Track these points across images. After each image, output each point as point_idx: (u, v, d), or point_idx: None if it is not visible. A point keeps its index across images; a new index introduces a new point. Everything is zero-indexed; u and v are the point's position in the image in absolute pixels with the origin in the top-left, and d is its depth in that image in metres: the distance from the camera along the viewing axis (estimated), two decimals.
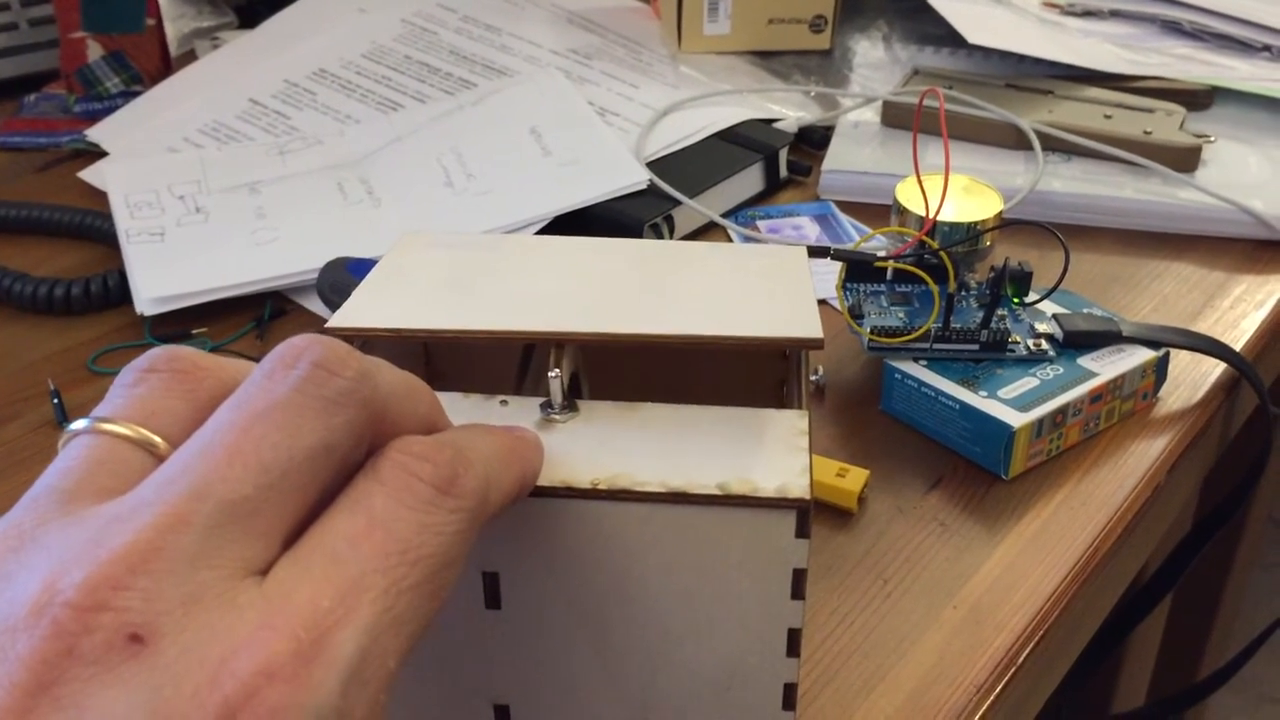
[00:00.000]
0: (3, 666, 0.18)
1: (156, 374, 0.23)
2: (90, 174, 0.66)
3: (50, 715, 0.17)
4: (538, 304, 0.32)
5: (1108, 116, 0.67)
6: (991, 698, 0.37)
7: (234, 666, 0.18)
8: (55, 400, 0.50)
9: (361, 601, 0.20)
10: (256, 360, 0.23)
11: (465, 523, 0.22)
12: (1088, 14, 0.82)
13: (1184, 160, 0.64)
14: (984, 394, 0.45)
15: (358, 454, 0.22)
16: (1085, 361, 0.47)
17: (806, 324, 0.31)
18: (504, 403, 0.30)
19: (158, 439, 0.22)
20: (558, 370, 0.29)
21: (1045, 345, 0.48)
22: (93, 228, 0.61)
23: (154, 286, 0.55)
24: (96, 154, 0.69)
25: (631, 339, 0.30)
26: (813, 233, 0.62)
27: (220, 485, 0.20)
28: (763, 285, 0.33)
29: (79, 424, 0.22)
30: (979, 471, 0.45)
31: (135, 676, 0.18)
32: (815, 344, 0.30)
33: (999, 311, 0.48)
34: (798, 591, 0.28)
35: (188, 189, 0.62)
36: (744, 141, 0.65)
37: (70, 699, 0.17)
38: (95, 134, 0.70)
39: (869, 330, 0.47)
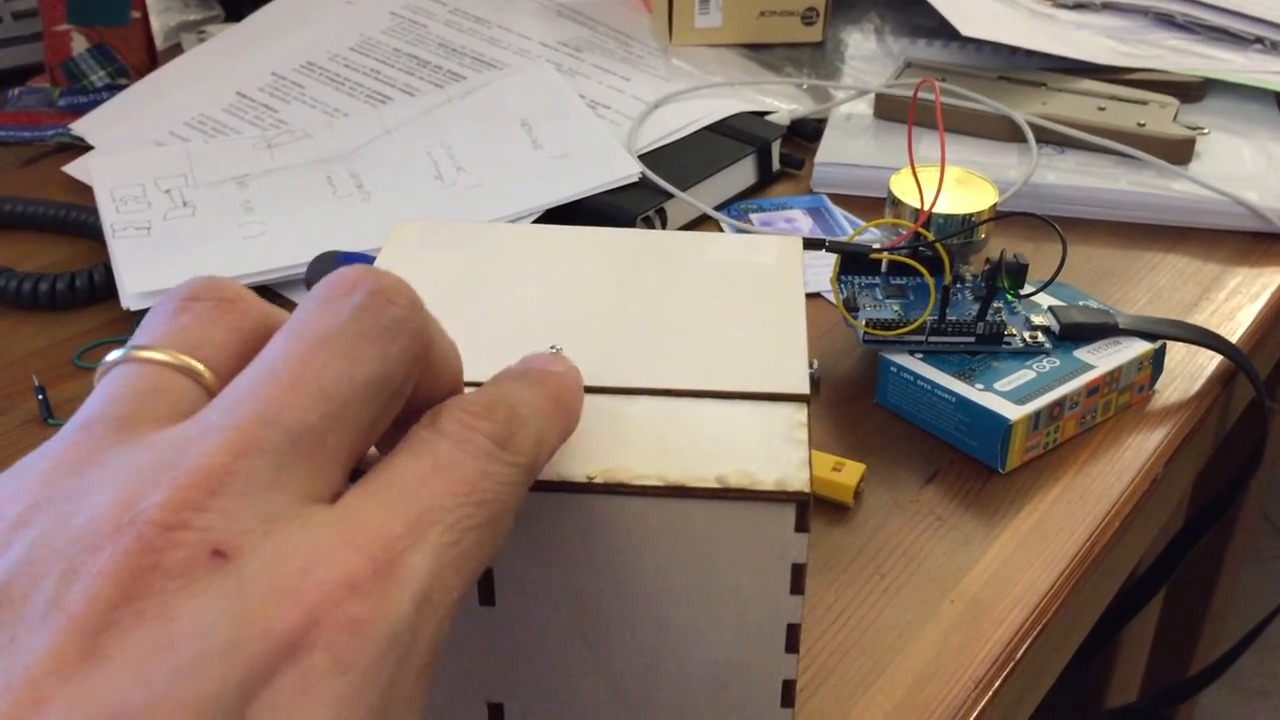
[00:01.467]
0: (86, 580, 0.17)
1: (201, 302, 0.23)
2: (75, 168, 0.66)
3: (137, 625, 0.17)
4: (525, 343, 0.31)
5: (1101, 109, 0.66)
6: (990, 693, 0.37)
7: (317, 577, 0.18)
8: (40, 397, 0.49)
9: (430, 533, 0.20)
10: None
11: (521, 475, 0.23)
12: (1080, 6, 0.82)
13: (1178, 152, 0.64)
14: (980, 387, 0.45)
15: (407, 387, 0.23)
16: (1081, 354, 0.47)
17: (793, 376, 0.30)
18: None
19: (203, 368, 0.22)
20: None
21: (1041, 338, 0.47)
22: (78, 222, 0.60)
23: (140, 281, 0.54)
24: (81, 148, 0.68)
25: (614, 391, 0.29)
26: (806, 226, 0.62)
27: (286, 413, 0.20)
28: (753, 312, 0.32)
29: (117, 354, 0.22)
30: (975, 465, 0.45)
31: (220, 587, 0.18)
32: (801, 399, 0.29)
33: (995, 304, 0.47)
34: (797, 586, 0.28)
35: (174, 183, 0.62)
36: (736, 134, 0.65)
37: (156, 609, 0.17)
38: (80, 128, 0.69)
39: (864, 323, 0.47)
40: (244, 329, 0.23)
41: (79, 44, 0.75)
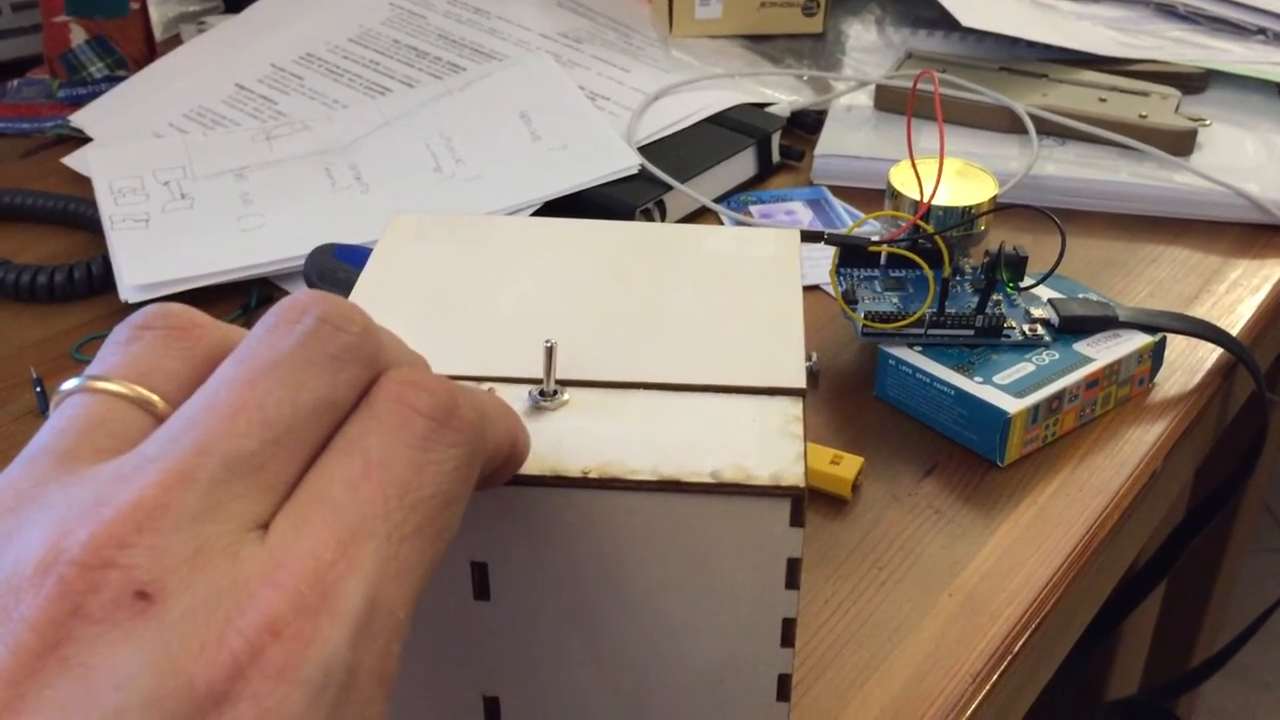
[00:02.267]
0: (7, 627, 0.17)
1: (152, 331, 0.23)
2: (74, 160, 0.65)
3: (58, 675, 0.17)
4: (517, 337, 0.31)
5: (1102, 100, 0.66)
6: (988, 686, 0.37)
7: (239, 625, 0.18)
8: (38, 389, 0.49)
9: (364, 551, 0.20)
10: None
11: (464, 458, 0.22)
12: None
13: (1179, 144, 0.63)
14: (979, 380, 0.45)
15: None
16: (1081, 347, 0.47)
17: (789, 371, 0.30)
18: (490, 389, 0.29)
19: (155, 397, 0.22)
20: (554, 341, 0.28)
21: (1041, 330, 0.47)
22: (76, 214, 0.60)
23: (138, 274, 0.54)
24: (80, 139, 0.68)
25: (610, 385, 0.29)
26: (805, 217, 0.61)
27: (224, 441, 0.20)
28: (750, 307, 0.32)
29: (72, 383, 0.22)
30: (974, 458, 0.45)
31: (143, 634, 0.18)
32: (797, 393, 0.29)
33: (994, 296, 0.47)
34: (792, 581, 0.27)
35: (173, 175, 0.62)
36: (736, 126, 0.65)
37: (78, 658, 0.17)
38: (79, 119, 0.69)
39: (863, 316, 0.47)
40: (196, 356, 0.23)
41: (78, 35, 0.75)
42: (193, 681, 0.17)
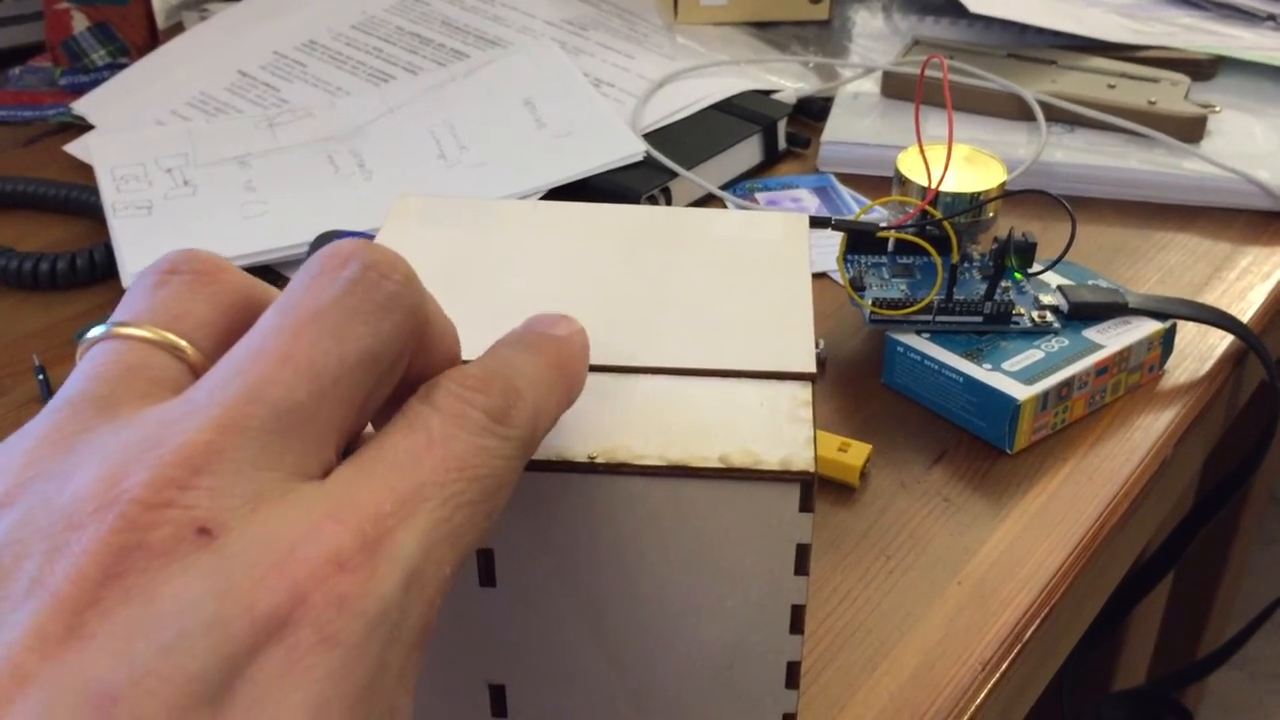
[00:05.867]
0: (69, 558, 0.17)
1: (179, 275, 0.22)
2: (76, 147, 0.65)
3: (120, 603, 0.17)
4: (525, 317, 0.30)
5: (1111, 86, 0.66)
6: (997, 675, 0.36)
7: (303, 553, 0.18)
8: (40, 377, 0.49)
9: (421, 509, 0.20)
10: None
11: (517, 450, 0.22)
12: None
13: (1189, 130, 0.63)
14: (988, 367, 0.44)
15: (401, 363, 0.22)
16: (1091, 334, 0.46)
17: (800, 355, 0.29)
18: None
19: (184, 343, 0.21)
20: None
21: (1050, 317, 0.47)
22: (79, 201, 0.60)
23: (141, 261, 0.54)
24: (82, 127, 0.68)
25: (618, 369, 0.29)
26: (812, 205, 0.61)
27: (274, 390, 0.20)
28: (760, 290, 0.32)
29: (98, 330, 0.22)
30: (983, 446, 0.45)
31: (205, 564, 0.18)
32: (807, 378, 0.29)
33: (1003, 283, 0.47)
34: (801, 567, 0.27)
35: (175, 162, 0.61)
36: (742, 113, 0.64)
37: (140, 587, 0.17)
38: (81, 107, 0.69)
39: (870, 303, 0.46)
40: (224, 301, 0.23)
41: (80, 22, 0.74)
42: (255, 606, 0.17)
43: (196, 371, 0.21)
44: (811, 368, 0.29)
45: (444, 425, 0.21)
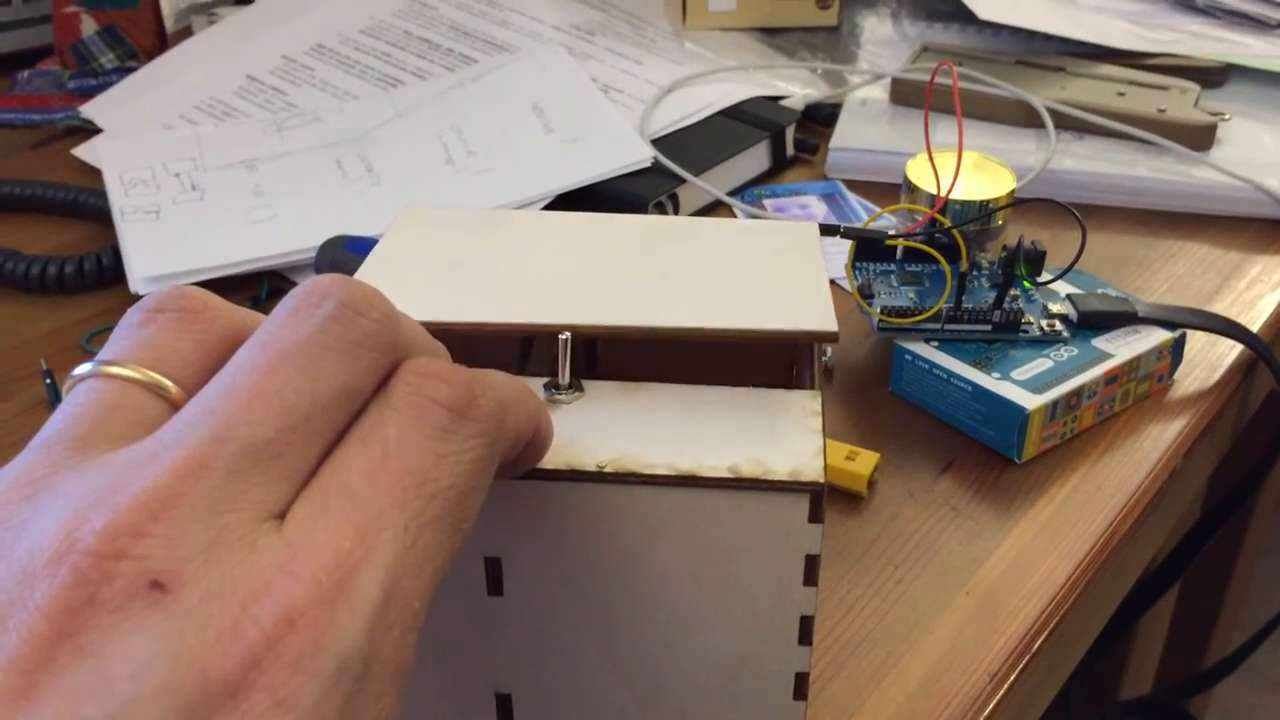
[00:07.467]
0: (22, 615, 0.17)
1: (165, 314, 0.22)
2: (84, 151, 0.65)
3: (72, 663, 0.17)
4: (541, 292, 0.31)
5: (1121, 94, 0.66)
6: (1005, 686, 0.36)
7: (255, 614, 0.18)
8: (48, 381, 0.49)
9: (381, 540, 0.19)
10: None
11: (483, 449, 0.22)
12: None
13: (1199, 138, 0.63)
14: (997, 375, 0.44)
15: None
16: (1100, 343, 0.46)
17: (820, 315, 0.29)
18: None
19: (168, 383, 0.21)
20: (568, 333, 0.28)
21: (1059, 326, 0.46)
22: (87, 205, 0.60)
23: (148, 265, 0.54)
24: (91, 131, 0.68)
25: (639, 332, 0.29)
26: (820, 212, 0.61)
27: (241, 428, 0.19)
28: (774, 269, 0.32)
29: (85, 368, 0.21)
30: (991, 455, 0.44)
31: (158, 623, 0.17)
32: (830, 337, 0.29)
33: (1012, 291, 0.47)
34: (810, 578, 0.27)
35: (183, 166, 0.61)
36: (750, 119, 0.64)
37: (92, 646, 0.17)
38: (90, 110, 0.69)
39: (879, 310, 0.46)
40: (210, 338, 0.22)
41: (88, 26, 0.74)
42: (207, 671, 0.17)
43: (178, 410, 0.21)
44: (833, 327, 0.29)
45: (401, 433, 0.21)
